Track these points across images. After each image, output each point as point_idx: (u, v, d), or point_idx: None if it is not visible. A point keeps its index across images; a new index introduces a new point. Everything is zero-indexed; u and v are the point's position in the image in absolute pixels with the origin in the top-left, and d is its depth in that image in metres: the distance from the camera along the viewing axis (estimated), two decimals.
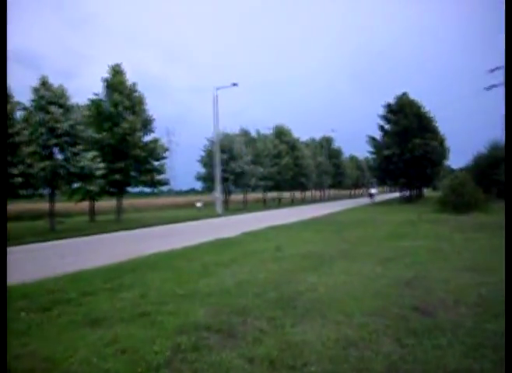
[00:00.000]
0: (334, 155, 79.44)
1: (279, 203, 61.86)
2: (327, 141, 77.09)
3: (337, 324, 6.32)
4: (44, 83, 25.73)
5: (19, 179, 21.09)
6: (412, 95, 50.72)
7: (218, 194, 42.22)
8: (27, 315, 7.19)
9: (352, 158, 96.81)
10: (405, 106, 48.64)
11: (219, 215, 38.52)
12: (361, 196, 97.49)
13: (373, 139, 52.37)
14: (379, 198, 68.54)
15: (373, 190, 62.52)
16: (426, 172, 50.28)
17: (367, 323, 6.30)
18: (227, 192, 49.07)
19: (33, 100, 25.40)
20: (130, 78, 33.07)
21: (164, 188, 41.39)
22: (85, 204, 35.65)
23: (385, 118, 51.03)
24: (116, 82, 31.96)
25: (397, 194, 72.25)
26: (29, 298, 8.28)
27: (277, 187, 58.49)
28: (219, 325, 6.36)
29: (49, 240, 20.94)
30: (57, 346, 5.65)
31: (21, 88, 25.64)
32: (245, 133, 54.25)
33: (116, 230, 25.40)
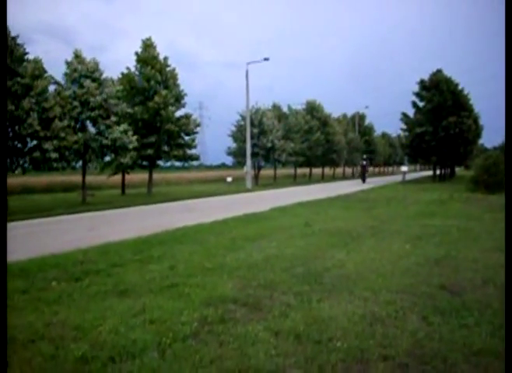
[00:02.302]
0: (366, 131, 78.76)
1: (310, 179, 61.67)
2: (359, 118, 76.32)
3: (364, 300, 6.32)
4: (77, 56, 25.87)
5: (55, 155, 21.38)
6: (447, 72, 49.60)
7: (248, 169, 42.21)
8: (58, 285, 7.34)
9: (384, 136, 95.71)
10: (440, 83, 47.53)
11: (248, 190, 38.59)
12: (393, 173, 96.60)
13: (405, 116, 51.40)
14: (410, 176, 67.24)
15: (404, 168, 59.36)
16: (459, 151, 49.29)
17: (394, 300, 6.29)
18: (257, 167, 49.05)
19: (66, 74, 25.58)
20: (162, 52, 33.12)
21: (195, 163, 41.52)
22: (117, 178, 36.01)
23: (418, 95, 50.01)
24: (148, 56, 32.03)
25: (428, 173, 70.85)
26: (60, 268, 8.44)
27: (308, 163, 58.30)
28: (246, 299, 6.41)
29: (80, 212, 21.24)
30: (86, 315, 5.76)
31: (54, 63, 25.83)
32: (276, 108, 54.00)
33: (146, 203, 25.65)
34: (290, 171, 64.03)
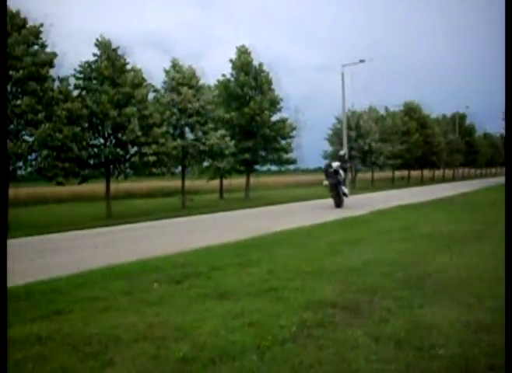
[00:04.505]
0: (466, 132, 76.18)
1: (408, 182, 60.39)
2: (459, 118, 73.95)
3: (467, 307, 6.06)
4: (175, 65, 26.68)
5: (153, 158, 22.07)
6: None
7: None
8: (160, 287, 7.51)
9: (486, 136, 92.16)
10: None
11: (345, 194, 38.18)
12: (495, 175, 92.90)
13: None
14: None
15: None
16: None
17: (500, 308, 5.98)
18: (354, 170, 48.54)
19: (164, 82, 26.45)
20: (256, 57, 33.49)
21: (291, 166, 41.65)
22: (214, 182, 36.68)
23: None
24: (242, 63, 32.48)
25: None
26: (161, 271, 8.64)
27: (406, 166, 57.16)
28: (345, 303, 6.29)
29: (180, 216, 21.76)
30: (186, 317, 5.86)
31: (153, 71, 26.76)
32: (373, 110, 53.27)
33: (243, 207, 25.92)
34: (387, 174, 62.94)
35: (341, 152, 28.07)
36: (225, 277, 8.12)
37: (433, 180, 68.06)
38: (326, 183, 23.77)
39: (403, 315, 5.77)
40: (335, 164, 23.90)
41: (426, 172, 68.90)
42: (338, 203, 23.57)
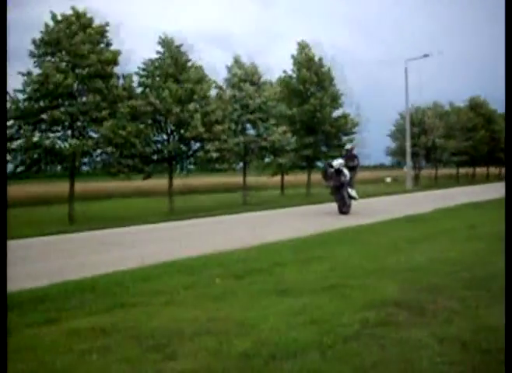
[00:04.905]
0: None
1: (473, 179, 58.93)
2: None
3: None
4: (237, 62, 26.86)
5: (216, 154, 22.27)
6: None
7: (407, 169, 41.26)
8: (222, 282, 7.56)
9: None
10: None
11: (408, 191, 37.63)
12: None
13: None
14: None
15: None
16: None
17: None
18: (418, 167, 47.76)
19: (226, 79, 26.66)
20: (317, 53, 33.25)
21: None
22: (275, 179, 36.72)
23: None
24: (304, 59, 32.30)
25: None
26: (223, 266, 8.68)
27: (471, 162, 55.82)
28: (409, 303, 6.17)
29: (242, 212, 21.85)
30: (248, 313, 5.87)
31: (215, 68, 26.99)
32: (437, 105, 52.20)
33: (304, 203, 25.82)
34: (451, 171, 61.50)
35: (348, 146, 22.95)
36: (286, 273, 8.11)
37: (499, 178, 66.20)
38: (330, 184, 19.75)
39: (469, 316, 5.62)
40: (337, 162, 19.38)
41: (492, 170, 67.07)
42: (343, 209, 19.16)
